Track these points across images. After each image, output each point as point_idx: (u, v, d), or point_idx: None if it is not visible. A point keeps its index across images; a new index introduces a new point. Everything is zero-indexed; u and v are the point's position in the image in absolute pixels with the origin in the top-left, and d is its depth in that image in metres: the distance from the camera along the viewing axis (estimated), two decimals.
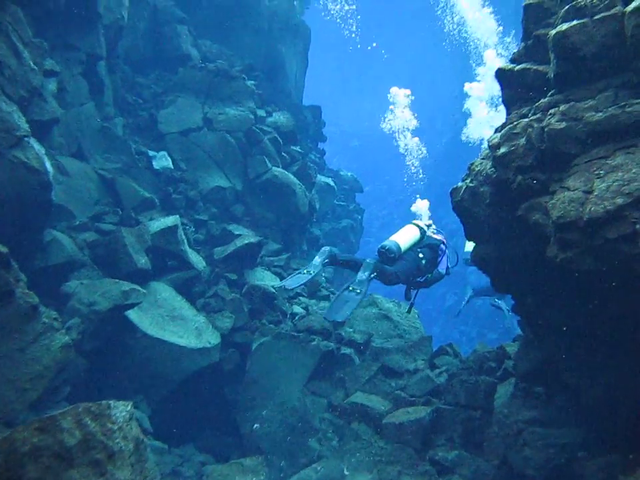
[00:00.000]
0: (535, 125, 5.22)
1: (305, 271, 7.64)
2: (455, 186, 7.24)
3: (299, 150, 13.95)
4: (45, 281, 8.13)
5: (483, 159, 6.96)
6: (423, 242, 8.39)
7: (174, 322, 9.00)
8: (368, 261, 7.71)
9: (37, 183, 7.81)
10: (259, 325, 9.68)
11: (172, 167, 11.58)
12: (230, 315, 9.59)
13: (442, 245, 8.54)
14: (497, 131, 6.09)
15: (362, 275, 7.43)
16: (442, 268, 8.50)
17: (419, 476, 6.92)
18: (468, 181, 6.91)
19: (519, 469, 6.35)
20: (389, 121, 16.99)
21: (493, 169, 6.36)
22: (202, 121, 12.19)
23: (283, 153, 13.12)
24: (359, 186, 21.77)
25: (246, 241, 10.47)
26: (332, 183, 17.61)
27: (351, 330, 9.91)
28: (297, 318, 10.14)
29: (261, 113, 13.22)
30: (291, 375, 8.98)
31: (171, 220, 9.94)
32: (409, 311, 8.95)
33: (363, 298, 7.15)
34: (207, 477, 6.56)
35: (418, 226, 8.45)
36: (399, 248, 8.04)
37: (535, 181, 5.22)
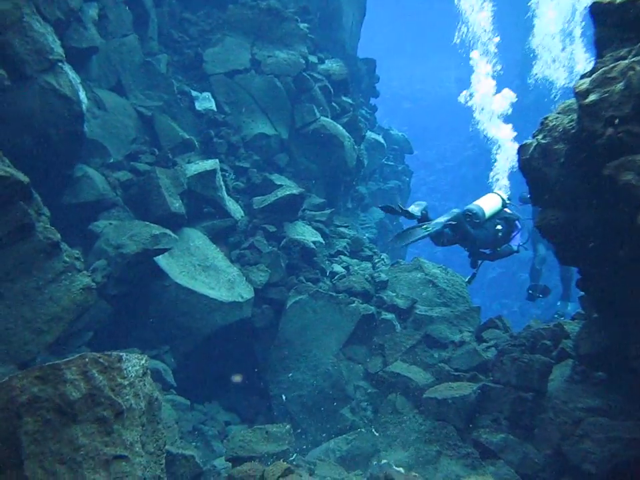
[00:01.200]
0: (638, 68, 4.39)
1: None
2: (524, 142, 6.46)
3: (350, 102, 13.13)
4: (72, 218, 7.69)
5: (559, 113, 6.16)
6: (500, 214, 8.16)
7: (206, 272, 8.47)
8: (454, 209, 7.76)
9: (68, 112, 7.26)
10: (296, 282, 9.07)
11: (215, 110, 10.93)
12: (265, 269, 9.01)
13: (517, 221, 8.40)
14: (584, 76, 5.25)
15: (441, 219, 7.42)
16: (514, 244, 8.35)
17: (460, 458, 6.29)
18: (540, 137, 6.11)
19: (575, 462, 5.65)
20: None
21: (572, 123, 5.56)
22: (249, 63, 11.46)
23: (333, 103, 12.33)
24: (409, 147, 20.84)
25: (288, 192, 9.81)
26: (382, 140, 16.77)
27: (394, 294, 9.25)
28: (336, 277, 9.50)
29: (313, 59, 12.41)
30: (327, 338, 8.40)
31: (209, 164, 9.34)
32: (469, 282, 8.84)
33: (427, 234, 7.14)
34: (227, 441, 6.07)
35: (500, 196, 8.27)
36: (484, 214, 7.89)
37: (630, 135, 4.42)
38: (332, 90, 12.32)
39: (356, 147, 12.29)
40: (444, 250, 33.40)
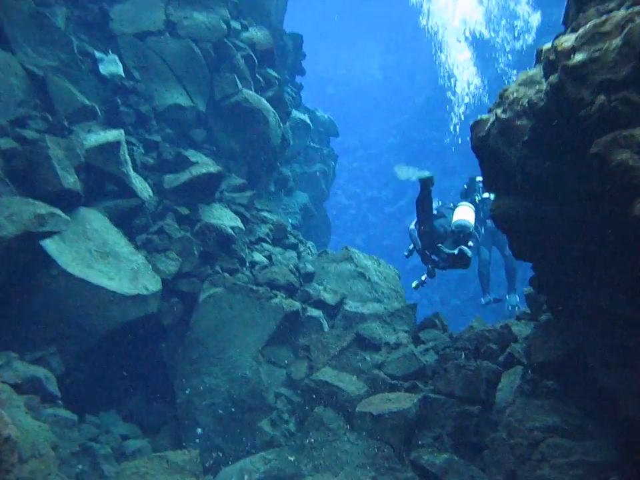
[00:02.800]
0: (639, 20, 3.55)
1: None
2: (478, 118, 5.61)
3: (276, 75, 12.01)
4: None
5: (519, 84, 5.34)
6: None
7: (105, 260, 7.23)
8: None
9: None
10: (211, 272, 7.97)
11: (122, 75, 9.56)
12: (176, 257, 7.84)
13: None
14: (561, 34, 4.42)
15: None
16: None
17: None
18: (499, 111, 5.26)
19: None
20: None
21: (540, 94, 4.72)
22: (163, 24, 10.13)
23: (257, 75, 11.19)
24: (335, 130, 19.89)
25: (204, 170, 8.65)
26: (308, 121, 15.72)
27: (321, 287, 8.30)
28: (257, 268, 8.46)
29: (235, 25, 11.21)
30: (245, 337, 7.36)
31: (113, 135, 8.05)
32: (417, 287, 8.60)
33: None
34: (117, 474, 4.96)
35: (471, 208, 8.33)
36: None
37: (627, 104, 3.58)
38: (256, 60, 11.18)
39: (281, 123, 11.23)
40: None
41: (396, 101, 48.08)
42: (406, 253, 8.81)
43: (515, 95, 5.17)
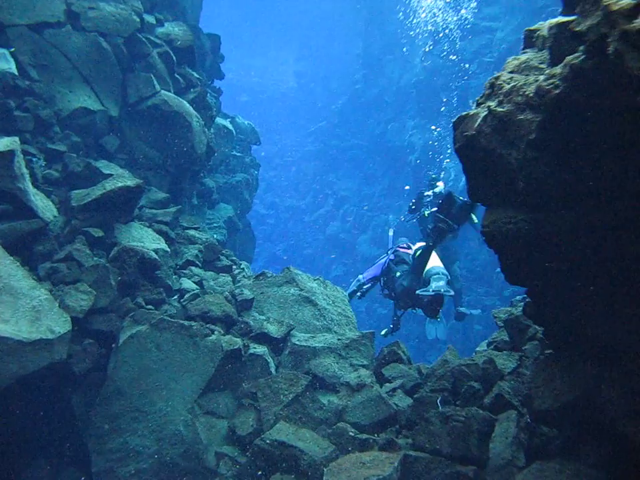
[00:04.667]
0: None
1: None
2: (464, 113, 4.66)
3: (197, 75, 10.77)
4: None
5: (512, 72, 4.44)
6: None
7: None
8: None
9: None
10: (132, 306, 6.65)
11: (15, 73, 8.07)
12: (89, 290, 6.47)
13: None
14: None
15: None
16: None
17: None
18: (493, 103, 4.31)
19: None
20: None
21: (553, 80, 3.79)
22: (65, 15, 8.68)
23: (176, 75, 9.93)
24: (256, 137, 18.76)
25: (120, 184, 7.30)
26: (230, 127, 14.53)
27: (263, 317, 7.13)
28: (186, 297, 7.20)
29: (150, 19, 9.91)
30: (177, 385, 6.08)
31: (4, 143, 6.60)
32: (386, 335, 9.19)
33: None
34: None
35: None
36: None
37: None
38: (175, 59, 9.91)
39: (206, 130, 9.99)
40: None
41: (313, 108, 47.44)
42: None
43: (512, 83, 4.24)
